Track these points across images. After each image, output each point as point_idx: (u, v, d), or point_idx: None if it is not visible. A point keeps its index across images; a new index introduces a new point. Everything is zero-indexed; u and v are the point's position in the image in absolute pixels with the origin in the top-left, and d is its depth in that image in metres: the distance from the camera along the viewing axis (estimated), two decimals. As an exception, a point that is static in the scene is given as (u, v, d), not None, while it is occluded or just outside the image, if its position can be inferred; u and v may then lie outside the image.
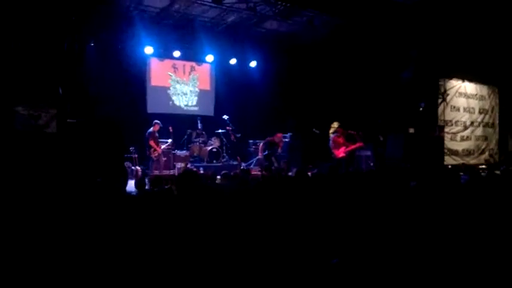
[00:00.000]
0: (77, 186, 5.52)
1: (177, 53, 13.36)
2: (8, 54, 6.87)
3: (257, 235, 3.28)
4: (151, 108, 13.39)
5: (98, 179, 5.91)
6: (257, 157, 11.77)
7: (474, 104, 16.03)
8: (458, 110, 15.34)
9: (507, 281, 3.06)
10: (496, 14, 11.46)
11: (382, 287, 2.96)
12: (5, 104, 6.10)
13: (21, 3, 7.41)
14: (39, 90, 6.92)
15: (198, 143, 12.99)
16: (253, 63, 14.47)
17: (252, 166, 12.84)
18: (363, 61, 13.65)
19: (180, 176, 5.39)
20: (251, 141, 13.84)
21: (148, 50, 12.70)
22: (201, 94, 14.55)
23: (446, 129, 14.67)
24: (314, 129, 13.70)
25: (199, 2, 11.32)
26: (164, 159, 11.45)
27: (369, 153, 13.00)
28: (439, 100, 14.53)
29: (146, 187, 6.34)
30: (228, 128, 13.19)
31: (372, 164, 12.53)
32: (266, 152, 11.32)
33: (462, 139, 15.47)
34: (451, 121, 15.03)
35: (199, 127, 13.20)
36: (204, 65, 14.51)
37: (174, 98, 14.04)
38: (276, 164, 11.06)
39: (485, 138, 16.48)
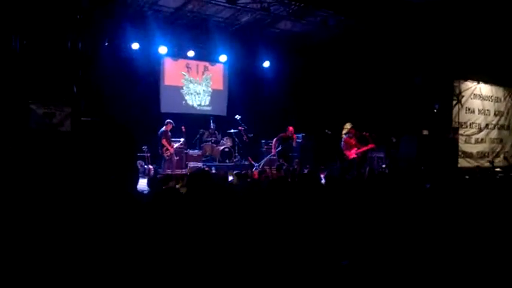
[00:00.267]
0: (89, 184, 5.57)
1: (190, 53, 13.41)
2: (23, 52, 6.95)
3: (267, 235, 3.28)
4: (165, 107, 13.46)
5: (112, 177, 5.97)
6: (270, 155, 11.72)
7: (489, 106, 15.85)
8: (473, 112, 15.19)
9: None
10: (510, 15, 11.30)
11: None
12: (20, 102, 6.18)
13: (34, 3, 7.51)
14: (53, 89, 7.00)
15: (210, 143, 13.03)
16: (266, 64, 14.46)
17: (260, 166, 12.84)
18: (376, 62, 13.57)
19: (191, 175, 5.41)
20: (263, 141, 13.84)
21: (162, 49, 12.78)
22: (214, 94, 14.59)
23: (461, 132, 14.53)
24: (326, 130, 13.64)
25: (213, 2, 11.34)
26: (176, 158, 11.52)
27: (381, 154, 12.94)
28: (454, 102, 14.40)
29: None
30: (240, 128, 13.20)
31: (384, 166, 12.45)
32: (280, 148, 11.29)
33: (477, 141, 15.31)
34: (465, 123, 14.88)
35: (212, 127, 13.24)
36: (217, 65, 14.55)
37: (187, 97, 14.09)
38: (286, 165, 11.02)
39: (501, 140, 16.28)
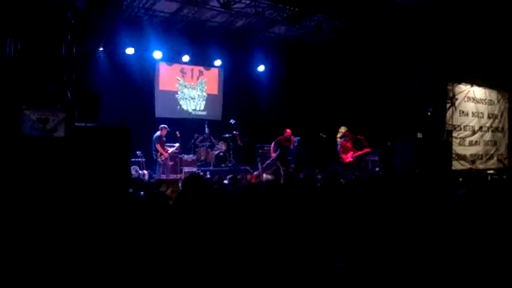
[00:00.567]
0: (82, 190, 5.57)
1: (185, 58, 13.42)
2: (16, 58, 6.94)
3: (259, 238, 3.28)
4: (160, 112, 13.45)
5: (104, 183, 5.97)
6: (270, 159, 11.72)
7: (483, 108, 15.93)
8: (466, 114, 15.25)
9: None
10: (505, 19, 11.39)
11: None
12: (13, 108, 6.16)
13: (29, 7, 7.50)
14: (47, 94, 6.98)
15: (205, 147, 13.04)
16: (261, 68, 14.49)
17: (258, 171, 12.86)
18: (370, 65, 13.63)
19: (186, 180, 5.41)
20: (258, 145, 13.85)
21: (157, 54, 12.79)
22: (209, 98, 14.59)
23: (455, 134, 14.58)
24: (321, 134, 13.68)
25: (208, 7, 11.38)
26: (171, 163, 11.51)
27: (376, 158, 12.98)
28: (448, 105, 14.45)
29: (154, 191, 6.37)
30: (234, 132, 13.21)
31: (377, 169, 12.49)
32: (278, 151, 11.29)
33: (470, 144, 15.37)
34: (459, 126, 14.94)
35: (207, 131, 13.24)
36: (212, 69, 14.56)
37: (181, 102, 14.09)
38: (283, 168, 11.03)
39: (494, 143, 16.35)
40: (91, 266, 2.80)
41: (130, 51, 12.27)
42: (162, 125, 11.31)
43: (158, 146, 11.04)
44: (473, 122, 15.52)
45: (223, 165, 12.82)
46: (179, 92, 14.03)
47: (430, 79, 13.51)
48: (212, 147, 13.19)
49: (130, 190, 6.30)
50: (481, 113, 15.85)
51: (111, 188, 6.00)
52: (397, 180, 7.05)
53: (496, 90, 16.35)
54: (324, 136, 13.57)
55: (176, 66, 13.93)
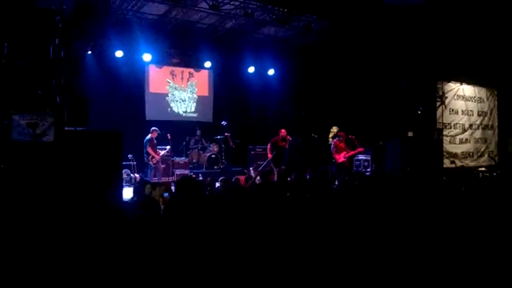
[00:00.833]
0: (73, 195, 5.51)
1: (175, 60, 13.37)
2: (3, 62, 6.86)
3: (254, 240, 3.27)
4: (150, 115, 13.37)
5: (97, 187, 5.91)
6: (268, 160, 11.73)
7: (473, 106, 16.05)
8: (456, 112, 15.37)
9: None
10: (492, 17, 11.48)
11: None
12: (2, 113, 6.08)
13: (16, 12, 7.42)
14: (36, 99, 6.90)
15: (196, 150, 13.00)
16: (251, 69, 14.47)
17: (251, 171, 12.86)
18: (359, 65, 13.67)
19: (179, 182, 5.37)
20: (250, 146, 13.84)
21: (147, 57, 12.72)
22: (200, 100, 14.54)
23: (445, 132, 14.68)
24: (313, 134, 13.71)
25: (197, 8, 11.35)
26: (163, 166, 11.45)
27: (368, 157, 13.02)
28: (438, 103, 14.55)
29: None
30: (226, 134, 13.18)
31: (368, 169, 12.54)
32: (275, 152, 11.30)
33: (461, 142, 15.49)
34: (449, 124, 15.05)
35: (198, 133, 13.21)
36: (202, 71, 14.52)
37: (172, 104, 14.03)
38: (277, 170, 11.04)
39: (485, 140, 16.49)
40: (82, 270, 2.76)
41: (119, 54, 12.20)
42: (153, 128, 11.24)
43: (149, 149, 10.97)
44: (463, 120, 15.64)
45: (215, 167, 12.79)
46: (169, 94, 13.98)
47: (419, 78, 13.58)
48: (204, 149, 13.16)
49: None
50: (471, 110, 15.97)
51: (103, 192, 5.94)
52: (386, 182, 7.04)
53: (485, 87, 16.49)
54: (316, 136, 13.61)
55: (166, 69, 13.87)
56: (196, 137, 13.16)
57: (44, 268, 2.86)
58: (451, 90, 15.12)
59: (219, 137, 13.33)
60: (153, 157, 11.01)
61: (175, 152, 12.52)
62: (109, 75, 12.22)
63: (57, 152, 5.92)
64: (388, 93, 13.66)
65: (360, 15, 11.46)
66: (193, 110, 14.43)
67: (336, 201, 4.89)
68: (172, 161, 12.07)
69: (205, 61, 13.83)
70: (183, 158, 12.68)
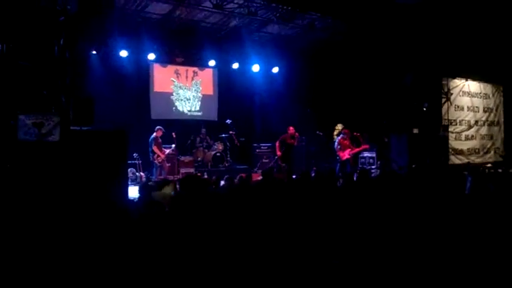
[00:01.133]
0: (79, 194, 5.54)
1: (179, 59, 13.41)
2: (8, 62, 6.91)
3: (254, 238, 3.28)
4: (155, 114, 13.40)
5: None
6: (276, 157, 11.80)
7: (478, 102, 15.97)
8: (462, 109, 15.29)
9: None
10: (497, 12, 11.42)
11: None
12: (7, 113, 6.13)
13: (21, 12, 7.46)
14: (41, 99, 6.95)
15: (201, 148, 13.02)
16: (255, 67, 14.47)
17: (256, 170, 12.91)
18: (365, 62, 13.64)
19: (183, 181, 5.40)
20: (255, 145, 13.85)
21: (151, 56, 12.77)
22: (204, 99, 14.56)
23: (451, 129, 14.61)
24: (318, 132, 13.71)
25: (201, 7, 11.37)
26: (168, 164, 11.48)
27: (373, 154, 13.00)
28: (443, 100, 14.49)
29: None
30: (231, 132, 13.20)
31: (373, 167, 12.53)
32: (284, 149, 11.36)
33: (467, 138, 15.41)
34: (455, 120, 14.98)
35: (203, 132, 13.23)
36: (207, 70, 14.52)
37: (177, 103, 14.05)
38: (284, 165, 11.11)
39: (491, 137, 16.40)
40: (87, 270, 2.78)
41: (124, 53, 12.23)
42: (158, 127, 11.28)
43: (155, 148, 11.00)
44: (469, 116, 15.56)
45: (220, 165, 12.81)
46: (174, 93, 14.00)
47: (424, 75, 13.53)
48: (209, 147, 13.18)
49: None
50: (477, 107, 15.89)
51: (109, 191, 5.98)
52: (392, 179, 7.03)
53: (490, 83, 16.40)
54: (321, 134, 13.61)
55: (170, 68, 13.89)
56: (201, 136, 13.18)
57: (49, 266, 2.88)
58: (457, 86, 15.05)
59: (223, 135, 13.36)
60: (158, 156, 11.04)
61: (180, 150, 12.55)
62: (114, 75, 12.25)
63: (63, 151, 5.95)
64: (393, 90, 13.62)
65: (363, 12, 11.44)
66: (198, 108, 14.45)
67: (340, 198, 4.89)
68: (178, 159, 12.10)
69: (210, 60, 13.83)
70: (188, 156, 12.70)
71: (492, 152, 16.31)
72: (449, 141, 14.25)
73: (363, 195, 5.11)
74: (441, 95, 14.45)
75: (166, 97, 13.87)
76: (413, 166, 11.39)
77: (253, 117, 15.10)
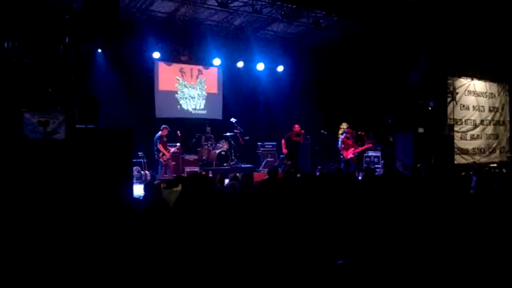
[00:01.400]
0: (84, 192, 5.56)
1: (184, 57, 13.42)
2: (15, 60, 6.93)
3: (258, 236, 3.27)
4: (160, 112, 13.42)
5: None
6: (282, 155, 11.84)
7: (484, 102, 15.87)
8: (467, 108, 15.20)
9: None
10: (503, 11, 11.35)
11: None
12: (13, 111, 6.15)
13: (27, 10, 7.49)
14: (47, 97, 6.97)
15: (206, 147, 13.02)
16: (260, 66, 14.46)
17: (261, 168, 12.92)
18: (370, 61, 13.60)
19: (187, 179, 5.40)
20: (260, 143, 13.84)
21: (156, 54, 12.79)
22: (209, 98, 14.57)
23: (456, 128, 14.52)
24: (322, 131, 13.70)
25: (205, 6, 11.37)
26: (173, 163, 11.49)
27: (378, 153, 12.98)
28: (448, 99, 14.41)
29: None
30: (236, 130, 13.20)
31: (378, 166, 12.51)
32: (289, 146, 11.40)
33: (472, 138, 15.32)
34: (460, 120, 14.89)
35: (208, 130, 13.23)
36: (211, 68, 14.53)
37: (181, 102, 14.06)
38: (290, 163, 11.12)
39: (496, 136, 16.30)
40: (92, 268, 2.79)
41: (128, 52, 12.25)
42: (163, 125, 11.30)
43: (160, 146, 11.02)
44: (475, 116, 15.47)
45: (225, 164, 12.81)
46: (179, 92, 14.01)
47: (430, 74, 13.46)
48: (214, 146, 13.18)
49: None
50: (482, 106, 15.79)
51: (114, 189, 5.99)
52: (396, 178, 7.00)
53: (496, 82, 16.30)
54: (325, 133, 13.59)
55: (175, 66, 13.90)
56: (206, 134, 13.19)
57: (56, 263, 2.89)
58: (462, 85, 14.96)
59: (228, 133, 13.36)
60: (163, 154, 11.06)
61: (185, 149, 12.57)
62: (119, 73, 12.28)
63: (68, 149, 5.97)
64: (399, 89, 13.57)
65: (369, 10, 11.39)
66: (202, 107, 14.46)
67: (343, 196, 4.87)
68: (183, 158, 12.12)
69: (214, 58, 13.84)
70: (193, 155, 12.71)
71: (498, 152, 16.22)
72: (455, 141, 14.16)
73: (368, 194, 5.10)
74: (447, 94, 14.37)
75: (171, 95, 13.88)
76: (418, 165, 11.34)
77: (258, 115, 15.09)
